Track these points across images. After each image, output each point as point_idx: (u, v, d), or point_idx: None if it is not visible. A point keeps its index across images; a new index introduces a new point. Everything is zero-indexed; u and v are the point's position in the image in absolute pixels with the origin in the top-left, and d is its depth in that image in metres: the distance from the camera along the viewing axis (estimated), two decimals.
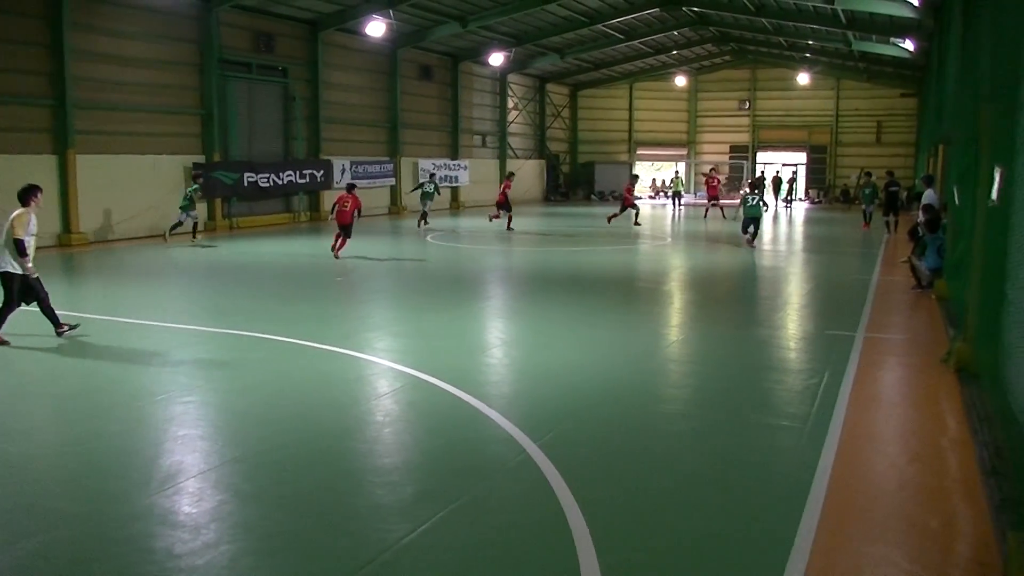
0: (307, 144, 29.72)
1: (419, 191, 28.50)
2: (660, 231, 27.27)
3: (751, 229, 21.50)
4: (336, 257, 18.62)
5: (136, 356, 9.28)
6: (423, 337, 10.52)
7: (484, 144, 41.68)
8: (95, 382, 8.26)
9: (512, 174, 29.08)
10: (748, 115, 49.15)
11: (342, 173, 30.92)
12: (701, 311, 12.76)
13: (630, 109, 50.96)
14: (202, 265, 18.08)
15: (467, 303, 13.06)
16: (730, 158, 50.02)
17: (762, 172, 46.81)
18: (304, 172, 28.97)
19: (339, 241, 19.05)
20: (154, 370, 8.62)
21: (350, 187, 19.75)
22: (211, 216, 25.80)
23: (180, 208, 22.21)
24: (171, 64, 24.24)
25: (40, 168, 20.29)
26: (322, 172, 29.76)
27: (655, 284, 15.59)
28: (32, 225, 9.63)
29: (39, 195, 9.83)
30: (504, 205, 26.51)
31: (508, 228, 26.21)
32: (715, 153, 50.28)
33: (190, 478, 5.68)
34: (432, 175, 28.95)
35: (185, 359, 9.11)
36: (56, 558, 4.58)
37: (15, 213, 9.56)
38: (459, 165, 38.64)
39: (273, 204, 28.59)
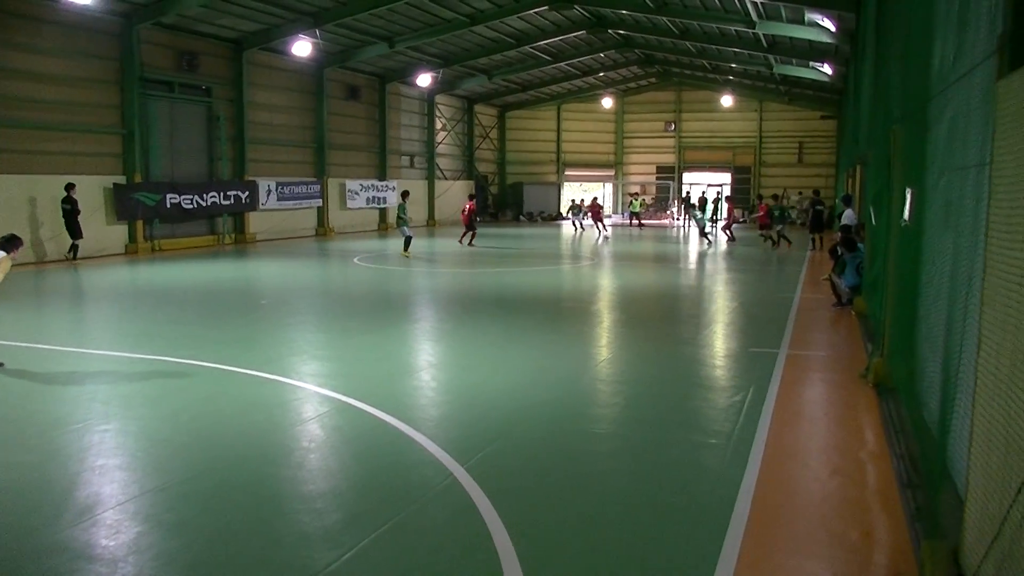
0: (232, 165, 29.32)
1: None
2: (589, 252, 27.54)
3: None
4: (472, 245, 27.12)
5: (51, 383, 9.02)
6: (349, 360, 10.47)
7: (412, 165, 41.65)
8: (5, 411, 7.99)
9: (473, 195, 31.75)
10: (674, 136, 50.15)
11: (267, 194, 30.62)
12: (629, 330, 12.90)
13: (558, 130, 51.58)
14: (122, 289, 17.68)
15: (394, 325, 13.01)
16: (657, 178, 50.93)
17: (687, 192, 47.83)
18: (228, 193, 28.57)
19: (470, 236, 27.32)
20: (70, 398, 8.39)
21: (472, 197, 28.34)
22: (132, 238, 25.22)
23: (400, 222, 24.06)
24: (90, 82, 23.67)
25: None
26: (247, 193, 29.39)
27: (584, 304, 15.70)
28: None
29: (20, 247, 10.14)
30: (469, 225, 28.74)
31: (470, 244, 28.28)
32: (642, 173, 51.17)
33: (108, 509, 5.53)
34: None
35: (103, 386, 8.87)
36: None
37: None
38: (387, 186, 38.52)
39: (197, 226, 28.12)
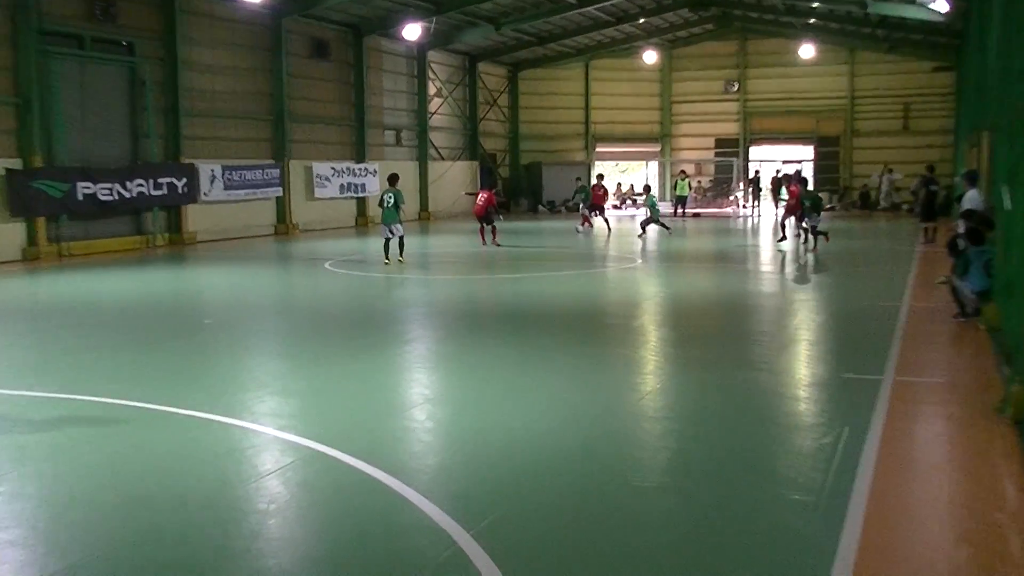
0: (164, 144, 29.46)
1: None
2: (628, 251, 27.52)
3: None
4: (497, 245, 27.44)
5: None
6: (321, 396, 10.44)
7: (399, 142, 41.74)
8: None
9: (494, 186, 32.31)
10: (738, 99, 50.11)
11: (211, 182, 30.73)
12: (682, 352, 12.83)
13: (586, 94, 51.60)
14: (18, 307, 17.72)
15: (379, 349, 12.99)
16: (716, 154, 50.78)
17: (756, 172, 47.63)
18: (160, 181, 28.70)
19: (491, 232, 28.05)
20: None
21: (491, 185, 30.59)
22: (31, 240, 25.27)
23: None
24: None
25: None
26: (184, 180, 29.50)
27: (623, 318, 15.68)
28: None
29: None
30: (485, 217, 28.70)
31: (494, 242, 28.40)
32: (697, 148, 51.07)
33: None
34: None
35: None
36: None
37: None
38: (366, 170, 38.60)
39: (118, 224, 28.24)
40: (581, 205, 36.39)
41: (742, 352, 12.77)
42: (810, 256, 25.05)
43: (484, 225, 28.81)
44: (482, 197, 29.25)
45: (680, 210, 41.92)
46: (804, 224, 27.25)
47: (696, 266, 23.82)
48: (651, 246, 28.34)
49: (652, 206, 31.35)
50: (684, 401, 10.07)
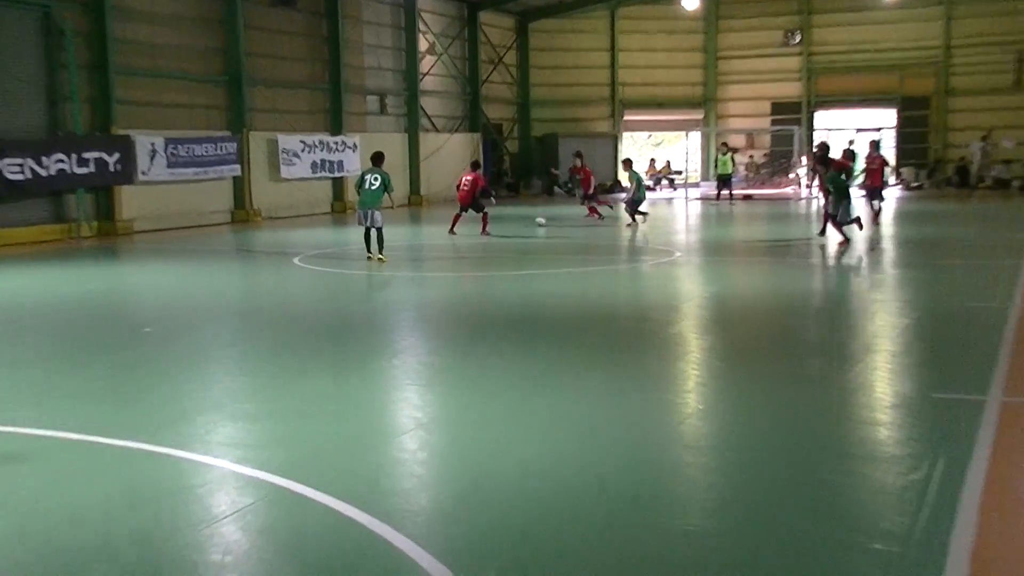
0: (90, 110, 29.43)
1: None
2: (664, 241, 27.49)
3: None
4: (486, 235, 27.57)
5: None
6: (288, 420, 10.38)
7: (383, 110, 41.68)
8: None
9: (478, 164, 31.39)
10: (799, 54, 49.76)
11: (151, 157, 30.59)
12: (729, 366, 12.76)
13: (612, 51, 51.40)
14: None
15: (359, 362, 12.97)
16: (772, 122, 50.37)
17: (823, 143, 47.14)
18: (86, 156, 28.70)
19: (482, 220, 28.25)
20: None
21: (475, 165, 30.25)
22: None
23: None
24: None
25: None
26: (117, 156, 29.47)
27: (656, 324, 15.59)
28: None
29: None
30: (474, 204, 28.80)
31: (484, 232, 28.60)
32: (748, 115, 50.78)
33: None
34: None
35: None
36: None
37: None
38: (343, 143, 38.53)
39: (32, 209, 28.25)
40: (579, 192, 35.90)
41: (804, 366, 12.70)
42: (879, 248, 25.17)
43: (463, 213, 28.96)
44: (466, 181, 29.17)
45: (724, 191, 41.66)
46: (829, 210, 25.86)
47: (747, 260, 23.83)
48: (692, 236, 28.25)
49: (638, 183, 31.90)
50: (733, 426, 9.98)
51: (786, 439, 9.48)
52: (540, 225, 31.16)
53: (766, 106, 50.78)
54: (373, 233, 23.03)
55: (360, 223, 23.26)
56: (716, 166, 43.33)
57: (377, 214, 22.92)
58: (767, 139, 50.87)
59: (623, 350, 13.75)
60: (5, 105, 27.37)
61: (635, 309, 17.48)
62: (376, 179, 22.87)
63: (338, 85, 38.70)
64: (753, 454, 9.07)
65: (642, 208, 31.75)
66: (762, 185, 47.31)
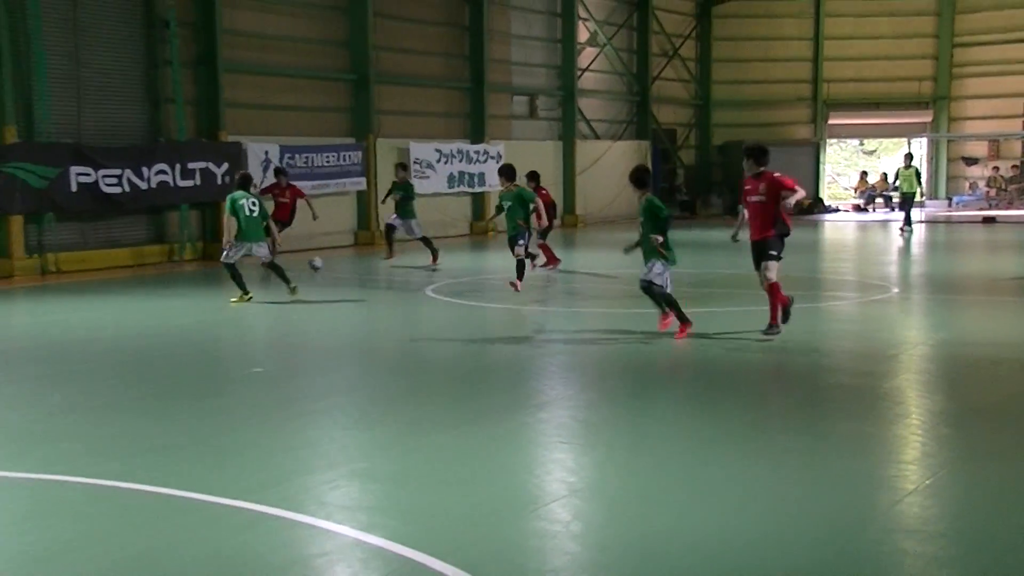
0: (195, 113, 29.18)
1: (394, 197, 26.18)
2: (877, 274, 27.06)
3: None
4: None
5: None
6: (419, 482, 10.02)
7: (533, 113, 41.38)
8: None
9: (536, 174, 27.04)
10: None
11: (264, 168, 29.94)
12: (962, 432, 11.97)
13: (816, 39, 49.86)
14: None
15: (501, 414, 12.61)
16: None
17: None
18: (191, 167, 28.26)
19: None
20: None
21: (278, 172, 25.94)
22: (3, 251, 25.04)
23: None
24: None
25: None
26: (225, 167, 28.84)
27: (867, 378, 14.95)
28: None
29: None
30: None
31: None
32: (993, 116, 48.29)
33: None
34: (403, 166, 26.28)
35: None
36: None
37: None
38: (486, 153, 38.18)
39: (129, 228, 28.10)
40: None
41: None
42: None
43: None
44: (545, 199, 25.66)
45: (906, 216, 36.90)
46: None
47: (986, 299, 22.93)
48: (914, 267, 27.56)
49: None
50: (966, 508, 9.17)
51: None
52: (315, 268, 26.05)
53: (1017, 105, 47.82)
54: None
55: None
56: (896, 181, 39.42)
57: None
58: (1018, 147, 48.71)
59: (827, 409, 13.18)
60: (101, 108, 27.20)
61: (841, 358, 16.86)
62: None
63: (480, 84, 38.12)
64: (993, 543, 8.31)
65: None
66: (1009, 205, 45.17)
